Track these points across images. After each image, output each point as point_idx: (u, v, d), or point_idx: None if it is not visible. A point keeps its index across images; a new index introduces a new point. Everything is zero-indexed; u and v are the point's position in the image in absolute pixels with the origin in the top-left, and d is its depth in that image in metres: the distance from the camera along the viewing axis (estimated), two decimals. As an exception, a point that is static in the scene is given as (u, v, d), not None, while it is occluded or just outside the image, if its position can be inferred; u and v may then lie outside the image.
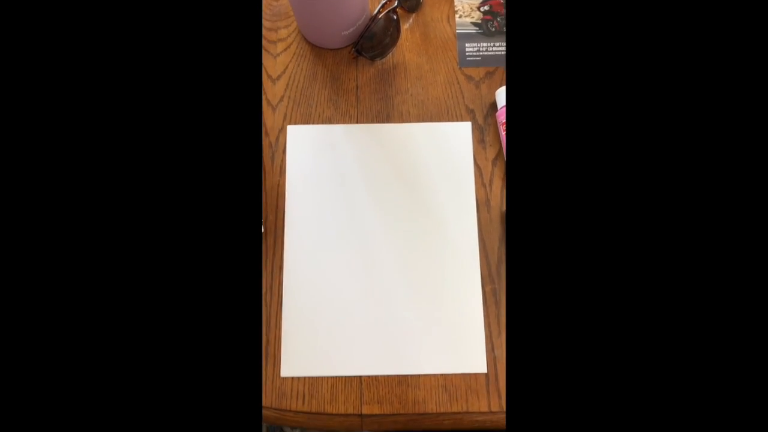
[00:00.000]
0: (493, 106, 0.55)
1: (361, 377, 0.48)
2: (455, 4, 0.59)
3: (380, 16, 0.52)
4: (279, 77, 0.56)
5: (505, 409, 0.48)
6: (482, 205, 0.52)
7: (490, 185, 0.53)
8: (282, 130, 0.55)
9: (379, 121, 0.55)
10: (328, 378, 0.48)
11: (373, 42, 0.54)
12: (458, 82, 0.56)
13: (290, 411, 0.48)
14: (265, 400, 0.48)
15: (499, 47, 0.57)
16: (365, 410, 0.48)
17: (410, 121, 0.55)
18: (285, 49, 0.57)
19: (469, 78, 0.56)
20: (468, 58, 0.57)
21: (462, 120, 0.55)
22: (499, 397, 0.48)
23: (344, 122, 0.55)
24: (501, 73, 0.57)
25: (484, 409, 0.48)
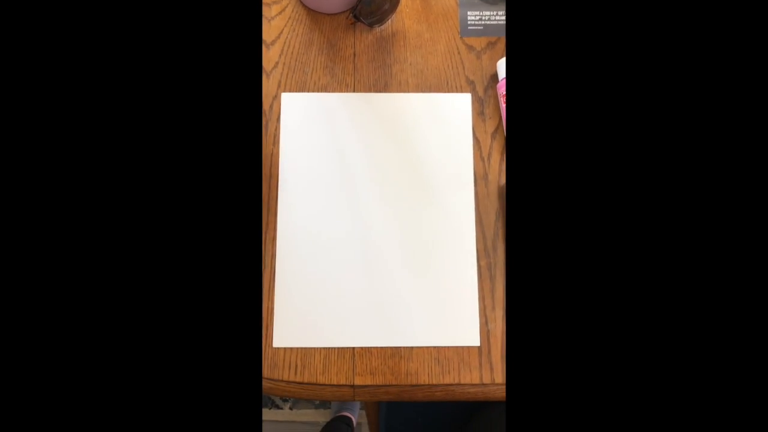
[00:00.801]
0: (494, 77, 0.54)
1: (353, 348, 0.48)
2: (458, -30, 0.57)
3: (380, -21, 0.50)
4: (273, 42, 0.54)
5: (496, 381, 0.48)
6: (480, 178, 0.52)
7: (489, 159, 0.52)
8: (276, 98, 0.53)
9: (376, 91, 0.53)
10: (320, 349, 0.48)
11: (371, 7, 0.52)
12: (459, 52, 0.54)
13: (282, 381, 0.48)
14: (257, 370, 0.48)
15: (502, 16, 0.55)
16: (357, 381, 0.48)
17: (409, 91, 0.53)
18: (280, 13, 0.55)
19: (470, 48, 0.55)
20: (469, 27, 0.55)
21: (462, 91, 0.53)
22: (491, 369, 0.48)
23: (341, 91, 0.53)
24: (503, 43, 0.55)
25: (476, 381, 0.48)
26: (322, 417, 1.12)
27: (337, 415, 1.02)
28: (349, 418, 1.01)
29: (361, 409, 1.09)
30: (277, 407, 1.13)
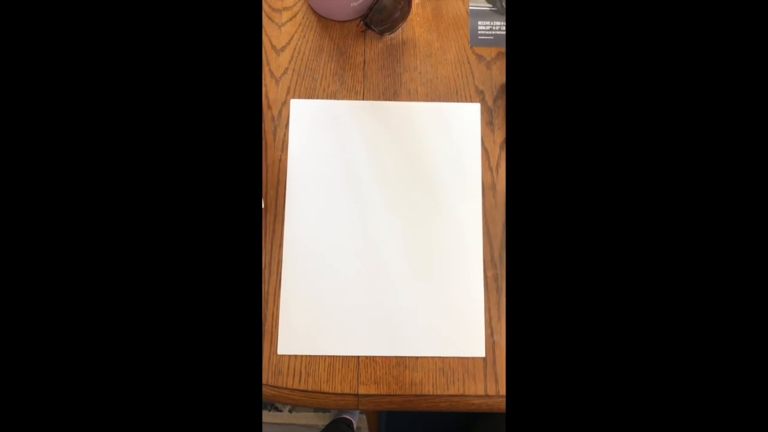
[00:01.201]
0: (504, 87, 0.54)
1: (358, 357, 0.48)
2: (469, -21, 0.56)
3: (391, -13, 0.50)
4: (283, 48, 0.54)
5: (501, 393, 0.48)
6: (488, 189, 0.52)
7: (497, 169, 0.52)
8: (285, 104, 0.53)
9: (385, 99, 0.53)
10: (325, 357, 0.48)
11: (382, 15, 0.52)
12: (469, 62, 0.54)
13: (286, 389, 0.47)
14: (262, 377, 0.48)
15: (512, 27, 0.55)
16: (362, 390, 0.47)
17: (418, 100, 0.53)
18: (290, 19, 0.55)
19: (480, 58, 0.54)
20: (480, 37, 0.55)
21: (471, 101, 0.53)
22: (496, 381, 0.48)
23: (350, 98, 0.53)
24: (513, 53, 0.55)
25: (481, 392, 0.48)
26: (321, 420, 1.12)
27: (338, 417, 1.02)
28: (350, 421, 1.00)
29: (361, 413, 1.09)
30: (277, 410, 1.13)
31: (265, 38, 0.54)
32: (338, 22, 0.55)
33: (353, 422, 1.02)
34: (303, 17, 0.55)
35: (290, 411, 1.12)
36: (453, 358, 0.48)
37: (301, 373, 0.48)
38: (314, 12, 0.55)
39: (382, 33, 0.53)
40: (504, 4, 0.56)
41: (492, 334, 0.49)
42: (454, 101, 0.53)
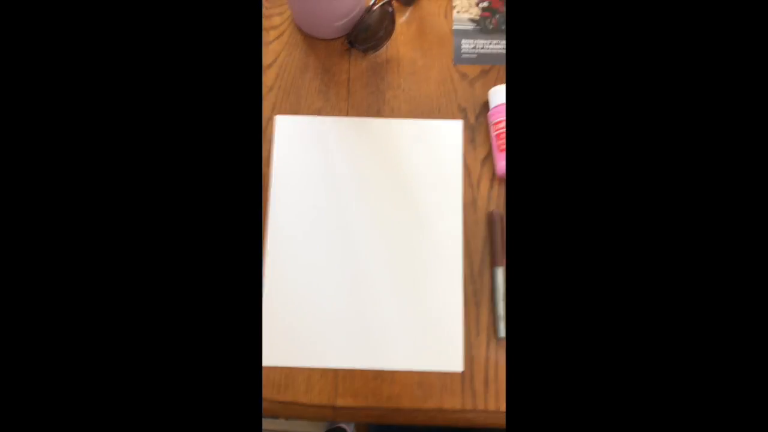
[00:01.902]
0: (486, 105, 0.55)
1: (336, 370, 0.49)
2: (454, -2, 0.57)
3: (375, 7, 0.52)
4: (270, 66, 0.56)
5: (478, 407, 0.48)
6: (468, 205, 0.52)
7: (478, 186, 0.53)
8: (270, 120, 0.54)
9: (369, 116, 0.54)
10: (304, 369, 0.49)
11: (367, 34, 0.53)
12: (452, 80, 0.55)
13: (266, 399, 0.48)
14: (242, 388, 0.49)
15: (496, 45, 0.56)
16: (339, 402, 0.48)
17: (401, 117, 0.54)
18: (277, 38, 0.56)
19: (464, 75, 0.55)
20: (463, 55, 0.56)
21: (453, 118, 0.54)
22: (474, 395, 0.48)
23: (334, 115, 0.54)
24: (496, 71, 0.56)
25: (458, 407, 0.48)
26: (317, 429, 1.13)
27: (333, 426, 1.03)
28: (344, 430, 1.01)
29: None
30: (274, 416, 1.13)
31: (253, 56, 0.56)
32: (323, 40, 0.56)
33: (348, 431, 1.03)
34: (289, 36, 0.56)
35: (287, 418, 1.13)
36: (431, 372, 0.49)
37: (280, 384, 0.49)
38: (300, 31, 0.57)
39: (366, 51, 0.55)
40: (489, 24, 0.57)
41: (470, 349, 0.49)
42: (436, 118, 0.54)
